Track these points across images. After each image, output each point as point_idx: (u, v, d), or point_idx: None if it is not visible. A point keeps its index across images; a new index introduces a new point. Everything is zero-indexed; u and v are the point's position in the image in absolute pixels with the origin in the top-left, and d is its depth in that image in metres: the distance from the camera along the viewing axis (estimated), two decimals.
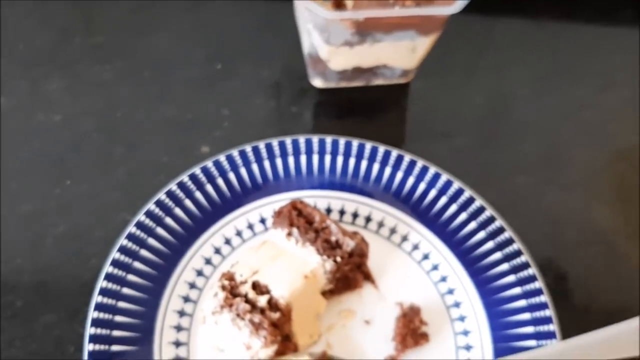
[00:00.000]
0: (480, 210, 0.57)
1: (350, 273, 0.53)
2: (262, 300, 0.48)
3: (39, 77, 0.66)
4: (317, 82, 0.68)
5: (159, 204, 0.55)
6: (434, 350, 0.51)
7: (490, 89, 0.71)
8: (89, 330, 0.48)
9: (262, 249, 0.51)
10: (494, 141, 0.67)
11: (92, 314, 0.48)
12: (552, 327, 0.50)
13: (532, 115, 0.69)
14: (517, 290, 0.53)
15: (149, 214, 0.54)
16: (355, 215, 0.57)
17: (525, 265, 0.54)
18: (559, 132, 0.68)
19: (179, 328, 0.50)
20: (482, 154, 0.65)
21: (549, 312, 0.51)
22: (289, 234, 0.51)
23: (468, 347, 0.51)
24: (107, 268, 0.51)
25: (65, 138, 0.62)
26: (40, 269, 0.54)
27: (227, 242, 0.55)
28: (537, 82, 0.71)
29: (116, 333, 0.48)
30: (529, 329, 0.51)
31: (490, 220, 0.56)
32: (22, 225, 0.56)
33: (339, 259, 0.50)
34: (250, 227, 0.56)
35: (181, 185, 0.56)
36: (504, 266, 0.54)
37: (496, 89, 0.71)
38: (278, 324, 0.47)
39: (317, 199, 0.58)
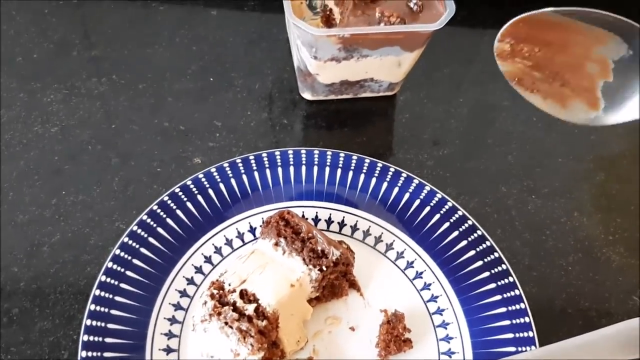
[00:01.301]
0: (463, 219, 0.59)
1: (336, 281, 0.54)
2: (249, 309, 0.49)
3: (36, 90, 0.68)
4: (307, 95, 0.70)
5: (151, 214, 0.56)
6: (418, 355, 0.53)
7: (475, 101, 0.73)
8: (83, 337, 0.49)
9: (250, 258, 0.53)
10: (479, 151, 0.69)
11: (86, 321, 0.50)
12: (531, 333, 0.52)
13: (516, 125, 0.71)
14: (497, 297, 0.55)
15: (141, 225, 0.56)
16: (341, 225, 0.59)
17: (505, 274, 0.56)
18: (541, 142, 0.70)
19: (170, 335, 0.52)
20: (467, 164, 0.67)
21: (527, 319, 0.53)
22: (277, 244, 0.53)
23: (450, 353, 0.53)
24: (101, 277, 0.52)
25: (62, 149, 0.64)
26: (37, 276, 0.56)
27: (217, 251, 0.57)
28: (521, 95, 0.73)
29: (109, 340, 0.50)
30: (508, 335, 0.53)
31: (472, 229, 0.58)
32: (19, 234, 0.58)
33: (324, 267, 0.52)
34: (240, 236, 0.58)
35: (173, 196, 0.58)
36: (485, 274, 0.56)
37: (481, 101, 0.73)
38: (265, 332, 0.49)
39: (305, 208, 0.60)
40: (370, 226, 0.59)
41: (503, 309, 0.54)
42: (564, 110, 0.57)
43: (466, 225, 0.58)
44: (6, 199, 0.60)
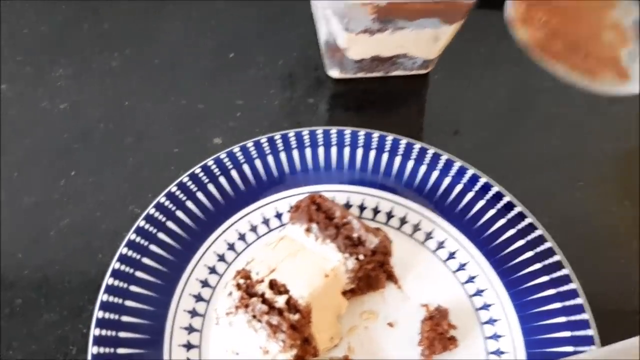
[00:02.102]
0: (510, 206, 0.53)
1: (372, 272, 0.49)
2: (280, 301, 0.44)
3: (44, 64, 0.63)
4: (334, 73, 0.65)
5: (170, 196, 0.52)
6: (463, 355, 0.48)
7: (514, 82, 0.68)
8: (94, 331, 0.44)
9: (279, 245, 0.48)
10: (519, 135, 0.64)
11: (97, 313, 0.45)
12: (590, 331, 0.47)
13: (559, 108, 0.66)
14: (550, 291, 0.50)
15: (159, 207, 0.51)
16: (376, 211, 0.54)
17: (558, 265, 0.51)
18: (586, 125, 0.65)
19: (190, 329, 0.47)
20: (506, 149, 0.62)
21: (586, 315, 0.48)
22: (308, 230, 0.48)
23: (500, 353, 0.48)
24: (114, 264, 0.47)
25: (71, 127, 0.59)
26: (43, 264, 0.51)
27: (241, 237, 0.52)
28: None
29: (123, 334, 0.45)
30: (565, 334, 0.48)
31: (521, 216, 0.53)
32: (24, 218, 0.53)
33: (361, 256, 0.47)
34: (266, 222, 0.53)
35: (193, 177, 0.53)
36: (536, 266, 0.51)
37: (520, 82, 0.68)
38: (297, 326, 0.44)
39: (336, 193, 0.54)
40: (407, 213, 0.54)
41: (558, 304, 0.49)
42: (595, 82, 0.52)
43: (514, 212, 0.53)
44: (10, 180, 0.55)
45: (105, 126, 0.59)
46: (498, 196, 0.54)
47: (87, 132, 0.59)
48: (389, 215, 0.54)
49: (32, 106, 0.60)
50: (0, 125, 0.58)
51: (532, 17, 0.49)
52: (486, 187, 0.54)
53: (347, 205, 0.54)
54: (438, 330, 0.47)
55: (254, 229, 0.53)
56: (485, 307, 0.50)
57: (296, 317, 0.44)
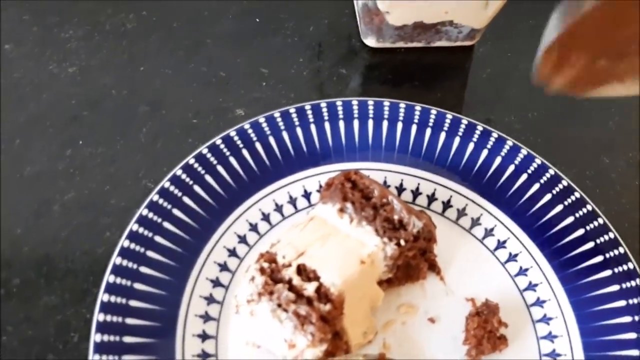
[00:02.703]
0: (568, 191, 0.47)
1: (413, 260, 0.43)
2: (309, 288, 0.39)
3: (53, 24, 0.58)
4: (371, 41, 0.59)
5: (187, 169, 0.46)
6: (513, 356, 0.42)
7: None
8: (97, 316, 0.39)
9: (309, 226, 0.42)
10: (575, 115, 0.58)
11: (102, 296, 0.40)
12: None
13: None
14: (614, 287, 0.44)
15: (174, 181, 0.45)
16: (416, 193, 0.48)
17: (623, 259, 0.45)
18: None
19: (206, 317, 0.42)
20: (562, 129, 0.56)
21: None
22: (342, 210, 0.43)
23: (555, 355, 0.42)
24: (123, 241, 0.42)
25: (81, 93, 0.54)
26: (44, 241, 0.46)
27: (265, 218, 0.46)
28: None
29: (130, 321, 0.40)
30: (630, 335, 0.42)
31: (580, 203, 0.47)
32: (25, 190, 0.48)
33: (402, 242, 0.41)
34: (293, 201, 0.47)
35: (213, 149, 0.47)
36: (598, 258, 0.45)
37: None
38: (328, 318, 0.38)
39: (371, 172, 0.49)
40: (451, 196, 0.48)
41: (622, 303, 0.43)
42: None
43: (573, 198, 0.47)
44: (11, 148, 0.50)
45: (118, 93, 0.54)
46: (555, 180, 0.48)
47: (98, 98, 0.53)
48: (431, 198, 0.48)
49: (39, 69, 0.55)
50: (2, 88, 0.53)
51: (568, 57, 0.39)
52: (542, 169, 0.48)
53: (384, 186, 0.48)
54: (487, 327, 0.41)
55: (279, 208, 0.47)
56: (539, 303, 0.44)
57: (327, 307, 0.38)
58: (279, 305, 0.38)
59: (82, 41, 0.57)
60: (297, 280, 0.39)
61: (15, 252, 0.45)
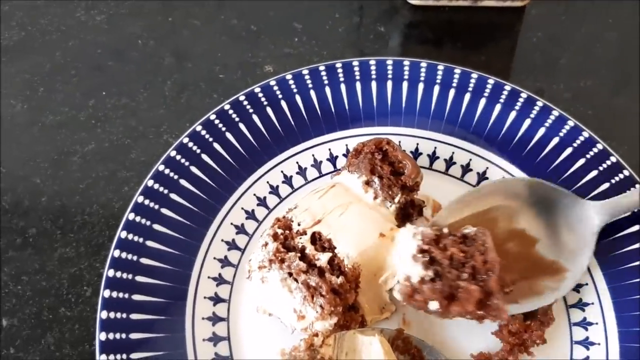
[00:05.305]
0: (616, 168, 0.43)
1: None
2: (322, 259, 0.37)
3: None
4: None
5: (208, 125, 0.44)
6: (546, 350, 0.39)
7: (629, 22, 0.57)
8: (107, 272, 0.38)
9: (329, 193, 0.40)
10: (632, 85, 0.53)
11: (114, 252, 0.39)
12: None
13: None
14: None
15: (194, 137, 0.44)
16: (449, 163, 0.45)
17: None
18: None
19: (219, 280, 0.40)
20: (617, 100, 0.53)
21: None
22: (368, 184, 0.40)
23: (588, 344, 0.39)
24: (137, 197, 0.41)
25: (107, 41, 0.53)
26: (62, 192, 0.45)
27: (287, 180, 0.44)
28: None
29: (141, 279, 0.39)
30: None
31: (629, 181, 0.43)
32: (46, 139, 0.47)
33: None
34: (317, 165, 0.45)
35: (236, 105, 0.45)
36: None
37: (634, 23, 0.56)
38: (340, 292, 0.36)
39: (402, 137, 0.46)
40: (487, 167, 0.45)
41: None
42: (539, 297, 0.39)
43: (621, 176, 0.43)
44: (34, 95, 0.49)
45: (144, 43, 0.52)
46: (603, 155, 0.44)
47: (124, 48, 0.52)
48: (465, 169, 0.45)
49: (65, 16, 0.54)
50: (29, 35, 0.52)
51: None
52: (589, 144, 0.44)
53: (415, 153, 0.46)
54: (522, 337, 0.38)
55: (302, 171, 0.45)
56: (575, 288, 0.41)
57: (339, 280, 0.36)
58: (290, 274, 0.36)
59: None
60: (310, 249, 0.37)
61: (33, 202, 0.45)
